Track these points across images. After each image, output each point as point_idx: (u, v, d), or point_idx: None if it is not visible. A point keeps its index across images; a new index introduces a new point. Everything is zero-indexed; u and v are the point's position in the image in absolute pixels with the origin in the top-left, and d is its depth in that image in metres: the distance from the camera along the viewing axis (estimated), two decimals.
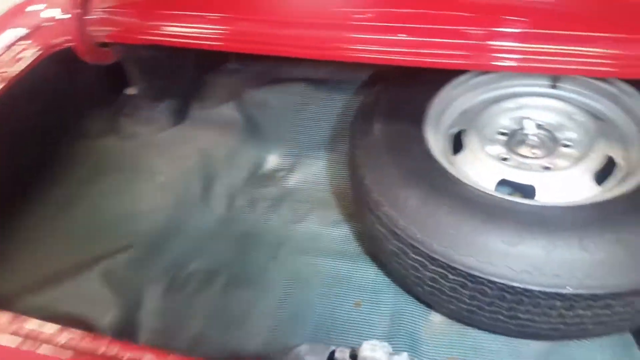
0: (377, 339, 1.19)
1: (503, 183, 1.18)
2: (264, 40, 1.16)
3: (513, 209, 1.02)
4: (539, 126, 1.29)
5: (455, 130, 1.32)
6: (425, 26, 1.04)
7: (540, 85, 1.35)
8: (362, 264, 1.36)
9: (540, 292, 0.94)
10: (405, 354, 0.72)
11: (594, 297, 0.92)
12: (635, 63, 0.92)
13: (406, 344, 1.18)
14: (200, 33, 1.20)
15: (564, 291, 0.92)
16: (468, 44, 1.00)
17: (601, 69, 0.96)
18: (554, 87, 1.34)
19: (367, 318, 1.24)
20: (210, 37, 1.15)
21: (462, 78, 1.33)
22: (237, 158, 1.63)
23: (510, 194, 1.15)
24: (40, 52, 1.18)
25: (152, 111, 1.63)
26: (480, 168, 1.20)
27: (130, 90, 1.61)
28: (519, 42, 0.97)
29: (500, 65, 1.00)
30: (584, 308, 0.95)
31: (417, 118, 1.24)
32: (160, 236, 1.44)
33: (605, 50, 0.93)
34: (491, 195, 1.06)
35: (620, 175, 1.13)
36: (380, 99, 1.30)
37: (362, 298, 1.29)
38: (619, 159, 1.16)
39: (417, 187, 1.08)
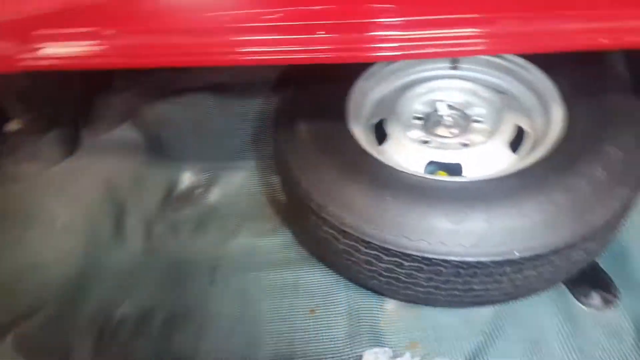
0: (340, 341, 1.19)
1: (432, 164, 1.23)
2: (154, 52, 1.06)
3: (451, 188, 1.06)
4: (450, 107, 1.36)
5: (375, 120, 1.34)
6: (301, 23, 1.02)
7: (443, 67, 1.43)
8: (308, 268, 1.33)
9: (491, 262, 0.99)
10: (407, 354, 0.72)
11: (538, 257, 1.00)
12: (501, 40, 1.00)
13: (369, 339, 1.18)
14: (81, 52, 1.06)
15: (512, 257, 0.99)
16: (348, 37, 1.00)
17: (472, 48, 1.02)
18: (454, 68, 1.43)
19: (325, 323, 1.22)
20: (93, 55, 1.03)
21: (373, 69, 1.36)
22: (147, 182, 1.51)
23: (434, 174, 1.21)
24: None
25: (37, 145, 1.42)
26: (407, 154, 1.24)
27: (12, 126, 1.40)
28: (397, 31, 0.98)
29: (380, 56, 1.01)
30: (530, 268, 1.03)
31: (339, 114, 1.24)
32: (76, 286, 1.28)
33: (473, 30, 0.99)
34: (428, 178, 1.10)
35: (530, 142, 1.24)
36: (299, 99, 1.28)
37: (315, 303, 1.26)
38: (526, 127, 1.27)
39: (357, 182, 1.08)
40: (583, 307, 1.21)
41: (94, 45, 1.07)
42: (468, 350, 1.16)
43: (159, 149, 1.58)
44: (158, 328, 1.23)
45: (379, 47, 0.96)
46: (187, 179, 1.59)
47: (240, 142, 1.64)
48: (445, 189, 1.06)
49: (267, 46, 1.00)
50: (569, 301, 1.22)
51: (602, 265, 1.26)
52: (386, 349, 0.72)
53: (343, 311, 1.24)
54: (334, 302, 1.26)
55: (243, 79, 1.69)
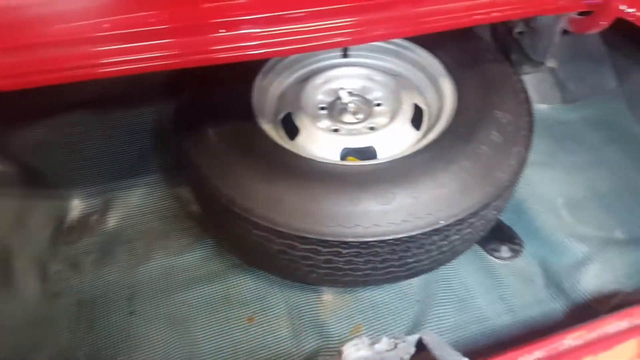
0: (286, 342, 1.17)
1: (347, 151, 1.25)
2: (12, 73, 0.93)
3: (374, 171, 1.09)
4: (351, 93, 1.39)
5: (282, 114, 1.32)
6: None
7: (335, 56, 1.46)
8: (237, 277, 1.28)
9: (421, 234, 1.05)
10: (384, 338, 0.72)
11: (460, 221, 1.07)
12: (364, 31, 1.04)
13: (314, 333, 1.18)
14: None
15: (438, 226, 1.05)
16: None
17: (339, 40, 1.03)
18: (345, 56, 1.46)
19: (267, 328, 1.19)
20: None
21: (269, 65, 1.34)
22: (30, 218, 1.31)
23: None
24: None
25: None
26: (320, 144, 1.24)
27: None
28: (262, 28, 0.98)
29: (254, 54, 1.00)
30: (454, 233, 1.10)
31: (246, 112, 1.20)
32: None
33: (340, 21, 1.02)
34: (350, 165, 1.12)
35: (428, 118, 1.32)
36: (200, 102, 1.21)
37: (252, 311, 1.22)
38: (422, 104, 1.35)
39: (281, 180, 1.06)
40: (496, 260, 1.34)
41: None
42: (408, 320, 1.21)
43: (36, 179, 1.39)
44: None
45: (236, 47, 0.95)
46: (77, 206, 1.42)
47: (131, 157, 1.51)
48: (367, 173, 1.09)
49: (122, 56, 0.93)
50: (484, 258, 1.34)
51: (504, 221, 1.40)
52: (364, 337, 0.72)
53: (283, 312, 1.22)
54: (271, 305, 1.23)
55: (120, 91, 1.55)
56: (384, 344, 0.72)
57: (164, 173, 1.47)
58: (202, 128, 1.16)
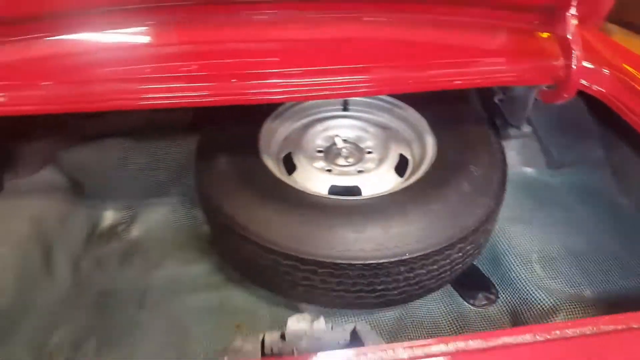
0: None
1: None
2: (76, 100, 1.21)
3: (354, 206, 1.29)
4: (345, 141, 1.62)
5: (284, 153, 1.55)
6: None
7: (336, 109, 1.69)
8: (230, 290, 1.48)
9: (387, 263, 1.22)
10: (322, 318, 0.89)
11: (425, 256, 1.24)
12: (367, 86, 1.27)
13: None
14: (39, 100, 1.18)
15: (404, 257, 1.22)
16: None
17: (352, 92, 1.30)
18: (345, 109, 1.70)
19: (251, 333, 1.36)
20: (49, 103, 1.16)
21: (278, 111, 1.58)
22: (71, 220, 1.57)
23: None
24: None
25: None
26: (313, 180, 1.46)
27: None
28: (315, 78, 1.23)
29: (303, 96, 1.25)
30: (420, 267, 1.26)
31: (253, 149, 1.44)
32: (8, 318, 1.31)
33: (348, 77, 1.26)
34: (333, 198, 1.32)
35: (412, 167, 1.52)
36: (217, 137, 1.46)
37: (240, 319, 1.41)
38: (407, 155, 1.55)
39: (273, 204, 1.27)
40: (470, 306, 1.47)
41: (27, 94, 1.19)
42: None
43: (80, 190, 1.66)
44: (92, 354, 1.30)
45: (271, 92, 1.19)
46: (109, 217, 1.68)
47: (158, 180, 1.76)
48: (347, 206, 1.29)
49: (183, 92, 1.19)
50: (458, 302, 1.47)
51: (482, 270, 1.55)
52: (305, 314, 0.89)
53: (267, 322, 1.39)
54: (258, 316, 1.41)
55: (157, 123, 1.83)
56: (321, 323, 0.89)
57: (183, 197, 1.71)
58: (216, 159, 1.40)
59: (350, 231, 1.22)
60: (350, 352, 0.72)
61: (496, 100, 1.64)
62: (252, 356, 0.88)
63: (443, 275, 1.35)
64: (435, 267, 1.29)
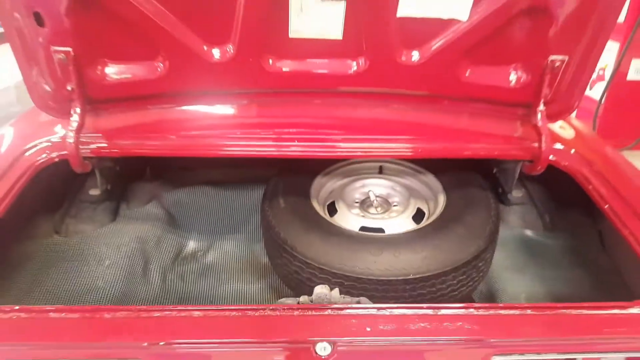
0: None
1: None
2: (194, 147, 1.77)
3: (375, 238, 1.73)
4: (377, 196, 2.08)
5: (329, 201, 2.03)
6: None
7: (374, 172, 2.17)
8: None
9: (396, 279, 1.62)
10: (337, 289, 1.32)
11: (425, 279, 1.63)
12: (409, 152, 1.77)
13: None
14: (152, 146, 1.76)
15: (409, 277, 1.62)
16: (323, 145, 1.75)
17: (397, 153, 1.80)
18: (380, 172, 2.18)
19: None
20: (169, 149, 1.72)
21: (327, 170, 2.09)
22: (165, 244, 2.08)
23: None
24: (44, 160, 1.63)
25: (94, 213, 2.03)
26: (350, 222, 1.91)
27: (94, 191, 2.01)
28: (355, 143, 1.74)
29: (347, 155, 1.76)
30: (420, 288, 1.65)
31: (305, 195, 1.93)
32: (116, 302, 1.78)
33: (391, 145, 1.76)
34: (361, 233, 1.77)
35: (427, 217, 1.94)
36: (280, 184, 1.97)
37: None
38: (424, 208, 1.99)
39: (318, 235, 1.72)
40: None
41: (156, 143, 1.76)
42: None
43: (173, 222, 2.19)
44: None
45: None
46: (191, 245, 2.17)
47: (230, 221, 2.27)
48: (370, 239, 1.72)
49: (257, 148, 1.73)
50: None
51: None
52: (326, 285, 1.32)
53: None
54: None
55: (232, 179, 2.39)
56: (336, 291, 1.30)
57: (247, 235, 2.19)
58: (278, 201, 1.89)
59: (370, 255, 1.65)
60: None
61: (494, 171, 2.07)
62: None
63: (441, 298, 1.72)
64: (434, 289, 1.66)
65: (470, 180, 1.98)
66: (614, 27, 1.59)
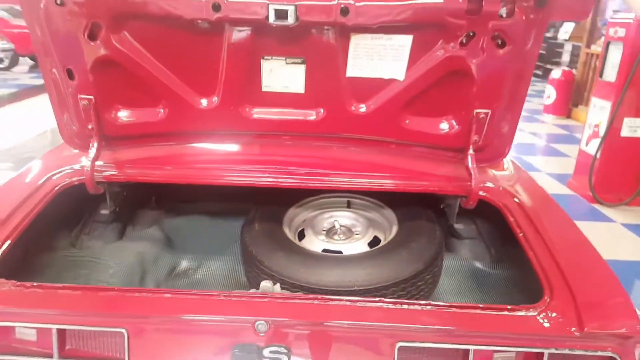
0: None
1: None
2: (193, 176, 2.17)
3: (330, 257, 2.07)
4: (342, 225, 2.42)
5: (300, 229, 2.38)
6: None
7: (342, 206, 2.53)
8: None
9: (343, 290, 1.93)
10: (278, 284, 1.65)
11: (368, 291, 1.94)
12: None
13: None
14: (152, 174, 2.16)
15: (354, 289, 1.93)
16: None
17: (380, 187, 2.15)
18: (348, 206, 2.53)
19: None
20: (166, 177, 2.12)
21: (301, 202, 2.45)
22: (161, 261, 2.44)
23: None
24: (65, 183, 2.05)
25: (104, 231, 2.43)
26: (315, 245, 2.25)
27: (104, 211, 2.42)
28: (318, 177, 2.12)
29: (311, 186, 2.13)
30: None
31: (278, 222, 2.29)
32: None
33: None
34: (324, 254, 2.11)
35: (382, 243, 2.28)
36: (258, 212, 2.33)
37: None
38: (380, 236, 2.32)
39: (283, 253, 2.07)
40: None
41: (165, 173, 2.16)
42: None
43: (170, 243, 2.56)
44: None
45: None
46: (184, 263, 2.52)
47: (219, 244, 2.62)
48: (328, 258, 2.06)
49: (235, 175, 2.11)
50: None
51: None
52: (270, 282, 1.64)
53: None
54: None
55: (222, 210, 2.76)
56: (277, 287, 1.63)
57: (233, 256, 2.52)
58: (254, 227, 2.25)
59: (324, 270, 1.98)
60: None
61: (442, 206, 2.40)
62: None
63: None
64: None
65: (421, 215, 2.31)
66: (530, 82, 1.95)
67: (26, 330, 1.54)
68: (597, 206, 5.41)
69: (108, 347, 1.54)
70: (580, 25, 11.03)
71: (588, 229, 4.69)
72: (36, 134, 7.65)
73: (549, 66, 13.31)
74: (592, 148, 5.45)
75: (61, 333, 1.51)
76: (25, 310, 1.53)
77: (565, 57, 13.77)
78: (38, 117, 8.49)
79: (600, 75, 5.56)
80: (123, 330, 1.48)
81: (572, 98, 9.79)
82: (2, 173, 5.86)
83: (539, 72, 14.45)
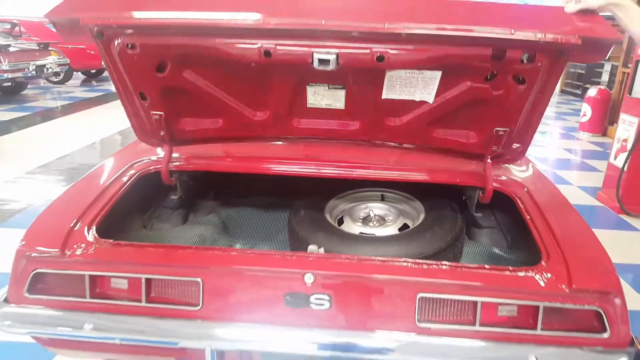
0: None
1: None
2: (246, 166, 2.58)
3: (363, 237, 2.43)
4: (376, 215, 2.78)
5: (339, 216, 2.75)
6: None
7: (376, 199, 2.88)
8: None
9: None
10: (322, 248, 2.01)
11: None
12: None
13: None
14: (213, 165, 2.57)
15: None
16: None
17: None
18: (382, 199, 2.88)
19: None
20: (227, 167, 2.54)
21: (340, 195, 2.82)
22: (218, 243, 2.82)
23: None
24: (145, 170, 2.48)
25: (171, 216, 2.86)
26: (352, 230, 2.61)
27: (173, 195, 2.85)
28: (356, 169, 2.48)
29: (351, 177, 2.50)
30: None
31: (321, 210, 2.66)
32: None
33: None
34: (357, 234, 2.47)
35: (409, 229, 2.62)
36: (303, 202, 2.71)
37: None
38: (409, 223, 2.66)
39: (325, 234, 2.43)
40: None
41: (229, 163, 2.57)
42: None
43: (226, 229, 2.97)
44: None
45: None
46: (238, 246, 2.91)
47: (268, 231, 3.01)
48: (362, 238, 2.42)
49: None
50: None
51: None
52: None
53: None
54: None
55: (271, 203, 3.16)
56: (322, 249, 1.99)
57: (280, 242, 2.90)
58: (300, 212, 2.63)
59: (361, 247, 2.33)
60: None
61: (464, 198, 2.73)
62: None
63: None
64: None
65: (446, 205, 2.64)
66: (547, 105, 2.17)
67: (120, 280, 1.95)
68: (624, 217, 5.56)
69: (186, 294, 1.92)
70: (619, 45, 11.09)
71: (614, 237, 4.95)
72: (85, 145, 8.12)
73: (587, 86, 13.33)
74: (620, 161, 5.63)
75: (148, 282, 1.91)
76: (120, 263, 1.94)
77: (605, 77, 13.76)
78: (88, 130, 9.08)
79: (630, 92, 5.75)
80: (199, 280, 1.87)
81: (608, 116, 9.85)
82: (46, 183, 6.13)
83: (578, 92, 14.45)
